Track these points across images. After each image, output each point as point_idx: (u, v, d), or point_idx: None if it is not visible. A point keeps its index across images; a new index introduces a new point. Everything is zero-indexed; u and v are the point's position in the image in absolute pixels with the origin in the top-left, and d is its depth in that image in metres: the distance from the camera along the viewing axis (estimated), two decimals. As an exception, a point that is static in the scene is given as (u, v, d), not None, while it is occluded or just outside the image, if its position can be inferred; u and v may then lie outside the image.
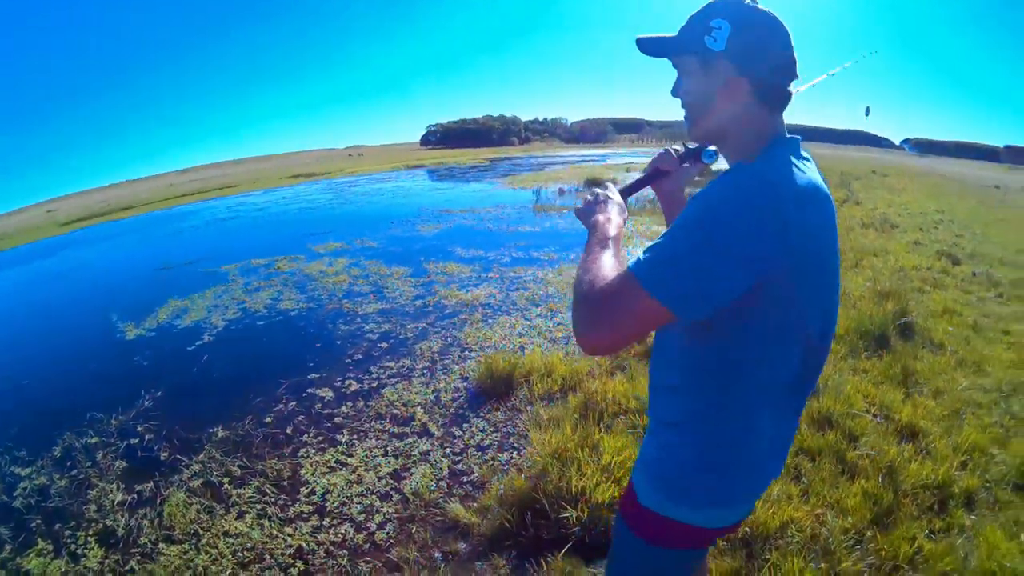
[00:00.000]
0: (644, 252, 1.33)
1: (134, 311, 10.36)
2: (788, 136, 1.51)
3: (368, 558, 3.77)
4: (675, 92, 1.62)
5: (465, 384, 6.02)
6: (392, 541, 3.89)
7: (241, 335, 8.49)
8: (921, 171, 45.85)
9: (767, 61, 1.45)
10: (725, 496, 1.61)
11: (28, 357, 9.40)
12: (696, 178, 1.99)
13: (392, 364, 6.65)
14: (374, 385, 6.20)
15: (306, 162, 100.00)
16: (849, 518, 3.64)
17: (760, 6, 1.45)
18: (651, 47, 1.60)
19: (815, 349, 1.53)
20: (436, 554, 3.71)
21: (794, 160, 1.40)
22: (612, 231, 1.62)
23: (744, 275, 1.27)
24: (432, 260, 11.69)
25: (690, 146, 1.96)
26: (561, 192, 22.40)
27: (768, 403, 1.52)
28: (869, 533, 3.53)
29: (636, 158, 46.50)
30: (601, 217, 1.68)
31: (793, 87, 1.52)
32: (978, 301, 8.28)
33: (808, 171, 1.41)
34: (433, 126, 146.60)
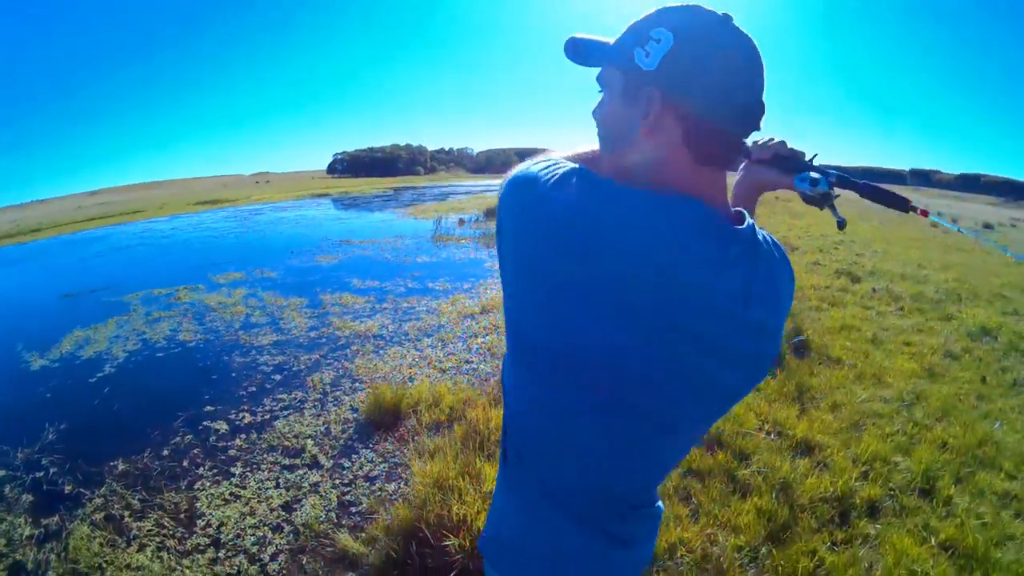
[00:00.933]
0: None
1: (38, 341, 10.26)
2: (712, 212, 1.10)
3: None
4: (595, 113, 1.27)
5: (355, 415, 6.19)
6: (284, 572, 4.05)
7: (141, 367, 8.54)
8: (825, 195, 47.13)
9: (712, 101, 1.07)
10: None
11: None
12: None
13: (285, 396, 6.80)
14: (267, 417, 6.34)
15: (212, 188, 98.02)
16: (742, 536, 3.74)
17: (730, 22, 1.08)
18: (579, 52, 1.23)
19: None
20: None
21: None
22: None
23: None
24: (328, 291, 11.79)
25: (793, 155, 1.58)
26: (461, 222, 22.56)
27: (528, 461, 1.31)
28: (764, 549, 3.65)
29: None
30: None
31: (752, 140, 1.24)
32: (878, 316, 8.66)
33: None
34: (340, 154, 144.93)
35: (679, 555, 3.57)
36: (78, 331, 10.62)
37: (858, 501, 4.06)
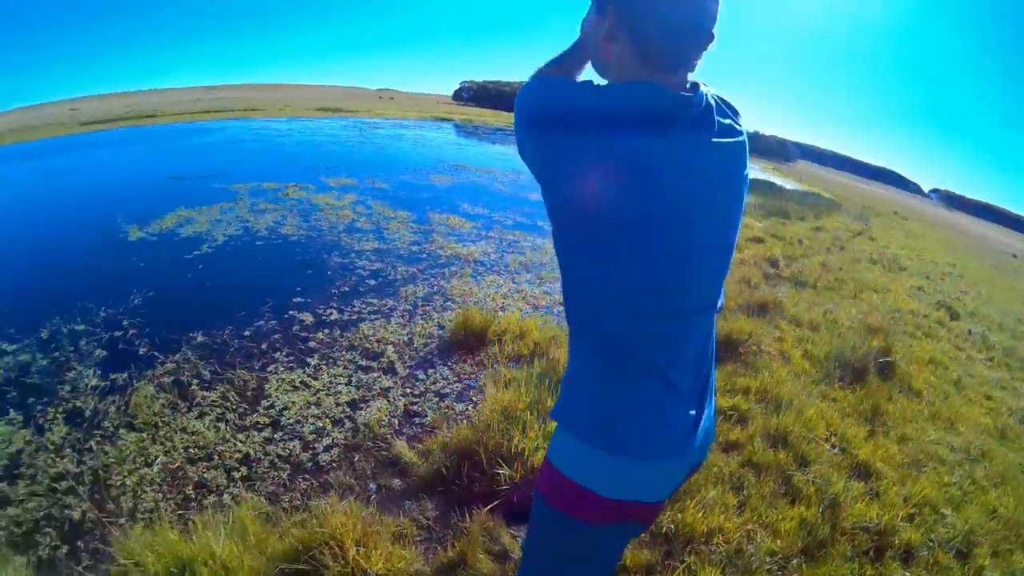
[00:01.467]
0: None
1: (140, 214, 10.54)
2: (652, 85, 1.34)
3: (307, 476, 3.95)
4: (581, 23, 1.56)
5: (440, 332, 6.14)
6: (334, 465, 4.06)
7: (238, 251, 8.66)
8: (943, 222, 45.60)
9: (652, 21, 1.30)
10: (620, 438, 1.46)
11: (31, 242, 9.65)
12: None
13: (375, 301, 6.80)
14: (353, 318, 6.35)
15: (335, 97, 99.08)
16: (779, 541, 3.58)
17: None
18: None
19: (665, 311, 1.44)
20: (371, 485, 3.86)
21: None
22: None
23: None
24: (437, 210, 11.75)
25: None
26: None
27: (621, 353, 1.46)
28: (796, 561, 3.48)
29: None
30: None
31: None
32: (967, 360, 8.15)
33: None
34: (467, 82, 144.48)
35: (716, 542, 3.47)
36: (181, 210, 10.88)
37: (897, 541, 3.83)
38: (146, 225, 9.88)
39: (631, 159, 1.27)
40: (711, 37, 1.32)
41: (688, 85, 1.41)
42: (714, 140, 1.38)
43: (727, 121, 1.44)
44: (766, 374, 5.66)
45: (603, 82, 1.45)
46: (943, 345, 8.42)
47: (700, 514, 3.53)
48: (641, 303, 1.40)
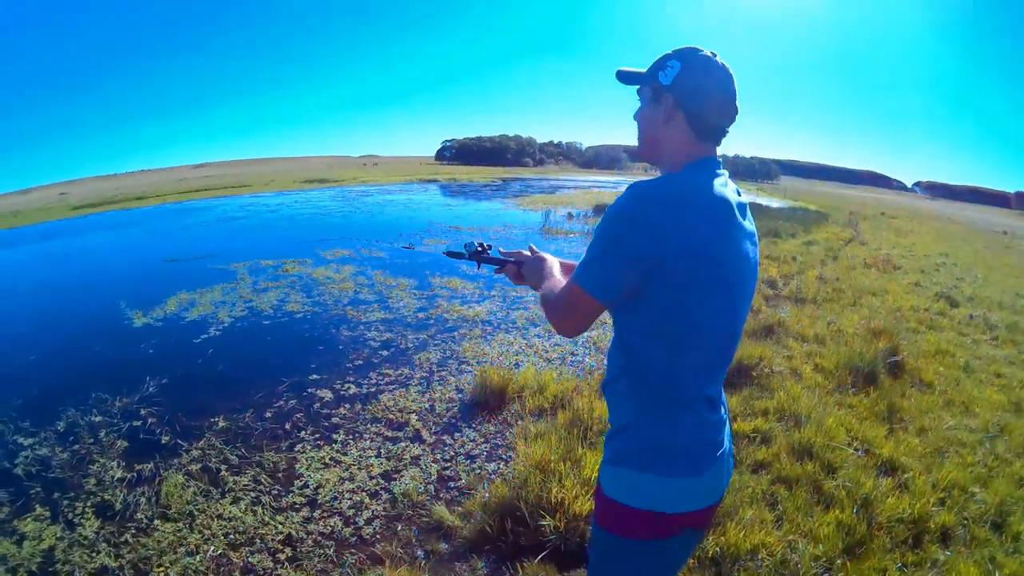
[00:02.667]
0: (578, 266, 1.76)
1: (142, 300, 10.59)
2: (708, 158, 1.78)
3: (354, 550, 3.93)
4: (635, 116, 1.93)
5: (460, 396, 6.15)
6: (378, 536, 4.06)
7: (246, 332, 8.68)
8: (930, 214, 46.07)
9: (704, 101, 1.75)
10: (676, 462, 1.77)
11: (34, 332, 9.64)
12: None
13: (391, 371, 6.81)
14: (372, 390, 6.35)
15: (319, 167, 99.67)
16: (820, 546, 3.67)
17: (715, 57, 1.76)
18: (624, 77, 1.93)
19: (716, 341, 1.78)
20: (419, 552, 3.86)
21: (698, 176, 1.71)
22: (553, 270, 2.17)
23: (629, 267, 1.62)
24: (437, 274, 11.81)
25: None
26: (570, 216, 22.40)
27: (675, 385, 1.76)
28: (840, 562, 3.57)
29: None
30: (545, 265, 2.22)
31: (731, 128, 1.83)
32: (972, 344, 8.30)
33: (707, 184, 1.69)
34: (448, 141, 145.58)
35: (760, 557, 3.59)
36: (183, 293, 10.96)
37: (932, 526, 3.95)
38: (150, 310, 9.92)
39: (707, 243, 1.62)
40: (738, 111, 1.79)
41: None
42: (745, 223, 1.78)
43: (745, 200, 1.85)
44: (782, 393, 5.80)
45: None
46: (947, 335, 8.61)
47: (742, 534, 3.63)
48: (707, 347, 1.75)
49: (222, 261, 14.20)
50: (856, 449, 4.91)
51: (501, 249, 2.54)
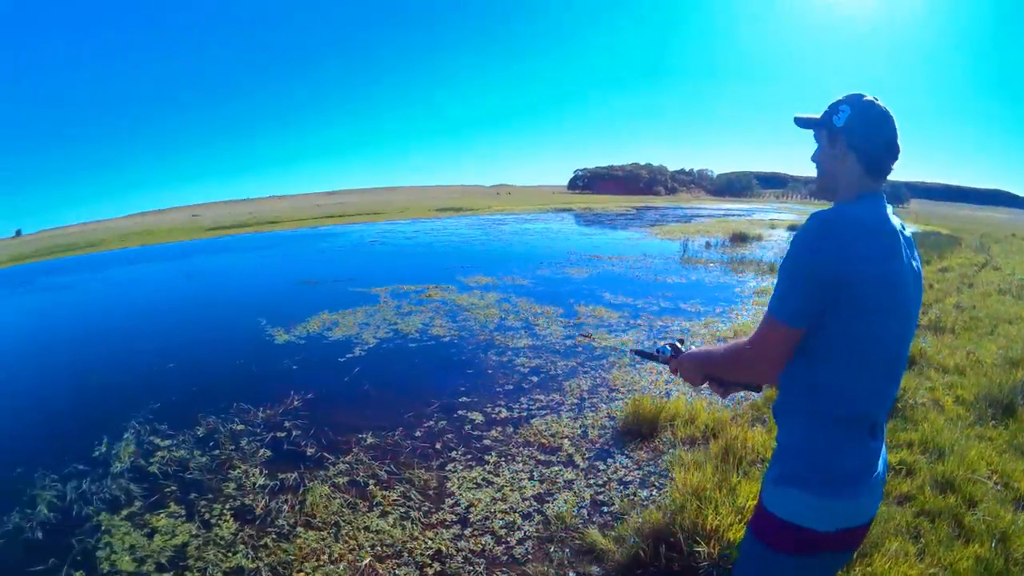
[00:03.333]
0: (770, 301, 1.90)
1: (283, 318, 10.97)
2: (877, 193, 1.97)
3: (505, 568, 3.90)
4: (813, 158, 2.13)
5: (611, 423, 6.06)
6: (530, 556, 4.02)
7: (392, 354, 8.79)
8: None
9: (872, 141, 1.93)
10: (826, 481, 1.87)
11: (177, 342, 10.19)
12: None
13: (541, 397, 6.78)
14: (523, 414, 6.34)
15: (452, 196, 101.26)
16: None
17: (878, 102, 1.95)
18: (802, 122, 2.12)
19: (888, 364, 1.91)
20: (571, 573, 3.82)
21: (872, 206, 1.90)
22: (715, 351, 2.14)
23: (819, 290, 1.75)
24: (582, 303, 11.72)
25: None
26: (708, 245, 21.97)
27: (851, 404, 1.88)
28: None
29: (780, 215, 45.56)
30: (703, 355, 2.18)
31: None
32: None
33: (880, 214, 1.89)
34: (580, 170, 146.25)
35: None
36: (325, 314, 11.27)
37: None
38: (291, 328, 10.25)
39: (885, 267, 1.80)
40: (899, 149, 1.97)
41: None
42: (911, 252, 1.95)
43: (908, 233, 2.00)
44: (925, 425, 5.63)
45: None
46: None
47: (887, 565, 3.60)
48: (881, 371, 1.88)
49: (362, 284, 14.54)
50: (995, 483, 4.79)
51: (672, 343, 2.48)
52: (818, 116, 2.08)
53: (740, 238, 22.56)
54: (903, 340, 1.94)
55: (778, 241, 18.57)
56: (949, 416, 5.97)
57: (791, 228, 24.42)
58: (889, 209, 1.94)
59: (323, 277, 16.27)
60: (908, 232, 2.00)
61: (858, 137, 1.94)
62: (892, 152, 1.97)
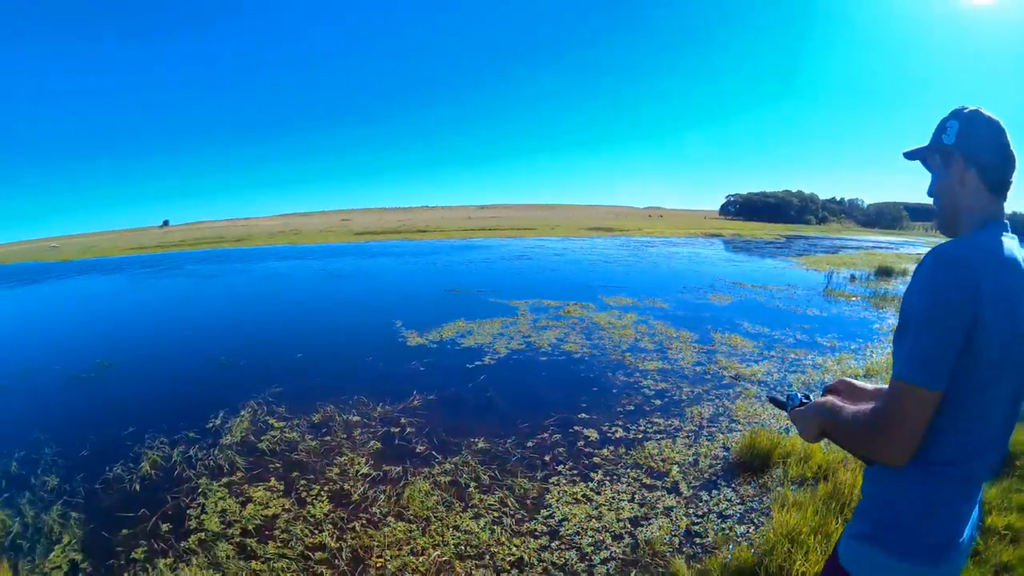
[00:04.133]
0: (896, 363, 1.66)
1: (419, 322, 11.41)
2: (1000, 220, 1.78)
3: None
4: (929, 191, 1.94)
5: (725, 453, 5.99)
6: None
7: (521, 365, 8.95)
8: None
9: (989, 149, 1.77)
10: (917, 546, 1.71)
11: (311, 334, 10.91)
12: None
13: (660, 420, 6.74)
14: (639, 436, 6.33)
15: (604, 216, 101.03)
16: None
17: (983, 110, 1.80)
18: (911, 155, 2.00)
19: (1006, 416, 1.72)
20: None
21: (998, 237, 1.70)
22: (841, 411, 1.86)
23: (956, 337, 1.55)
24: (719, 330, 11.55)
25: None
26: (853, 279, 21.17)
27: (960, 461, 1.69)
28: None
29: (928, 249, 44.23)
30: (827, 411, 1.90)
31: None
32: None
33: (1007, 243, 1.69)
34: (732, 196, 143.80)
35: None
36: (461, 322, 11.63)
37: None
38: (425, 333, 10.63)
39: (1018, 308, 1.60)
40: (1015, 157, 1.79)
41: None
42: None
43: None
44: None
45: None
46: None
47: None
48: (997, 426, 1.71)
49: (504, 296, 14.87)
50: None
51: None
52: (926, 144, 1.94)
53: (885, 272, 21.72)
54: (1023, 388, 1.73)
55: (922, 276, 18.02)
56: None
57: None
58: (1016, 240, 1.75)
59: (466, 286, 16.75)
60: None
61: (974, 148, 1.78)
62: (1009, 160, 1.78)
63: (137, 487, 5.42)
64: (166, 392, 8.30)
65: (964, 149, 1.78)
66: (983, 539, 4.09)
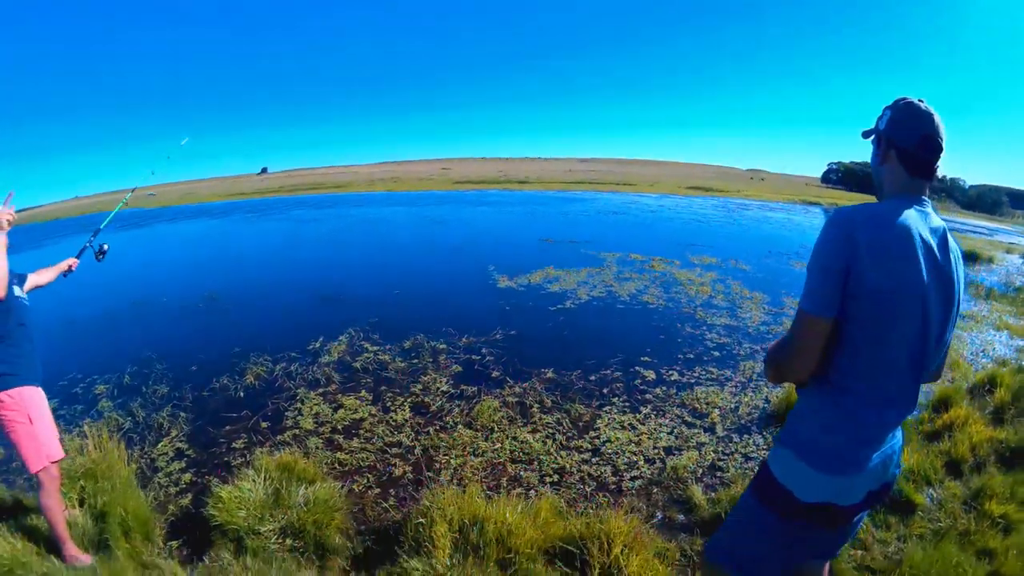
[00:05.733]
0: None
1: (511, 267, 12.09)
2: (915, 195, 2.10)
3: (607, 494, 4.59)
4: (871, 158, 2.30)
5: (766, 405, 6.35)
6: (633, 491, 4.71)
7: (598, 311, 9.51)
8: None
9: (909, 139, 2.08)
10: (818, 455, 2.11)
11: (408, 274, 11.80)
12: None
13: (715, 370, 7.15)
14: (691, 381, 6.80)
15: (705, 175, 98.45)
16: None
17: (920, 103, 2.11)
18: (866, 133, 2.31)
19: (901, 362, 2.04)
20: (658, 513, 4.38)
21: (899, 206, 2.03)
22: (771, 345, 2.29)
23: (836, 280, 1.95)
24: (792, 295, 11.57)
25: None
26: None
27: (854, 384, 2.05)
28: None
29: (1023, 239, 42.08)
30: (769, 348, 2.31)
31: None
32: None
33: (904, 213, 2.00)
34: (835, 164, 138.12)
35: None
36: (550, 269, 12.23)
37: None
38: (515, 276, 11.32)
39: (896, 260, 1.93)
40: (941, 146, 2.08)
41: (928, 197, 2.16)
42: (941, 249, 2.03)
43: (952, 245, 2.11)
44: None
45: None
46: None
47: None
48: (892, 356, 2.02)
49: (594, 248, 15.30)
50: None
51: None
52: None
53: (970, 257, 21.20)
54: (921, 342, 2.02)
55: (1008, 267, 17.03)
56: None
57: (1027, 254, 21.83)
58: (931, 215, 2.06)
59: (559, 237, 17.24)
60: (952, 240, 2.11)
61: (897, 134, 2.11)
62: (928, 147, 2.07)
63: (241, 394, 6.33)
64: (272, 320, 9.28)
65: (889, 134, 2.14)
66: (976, 522, 4.24)
